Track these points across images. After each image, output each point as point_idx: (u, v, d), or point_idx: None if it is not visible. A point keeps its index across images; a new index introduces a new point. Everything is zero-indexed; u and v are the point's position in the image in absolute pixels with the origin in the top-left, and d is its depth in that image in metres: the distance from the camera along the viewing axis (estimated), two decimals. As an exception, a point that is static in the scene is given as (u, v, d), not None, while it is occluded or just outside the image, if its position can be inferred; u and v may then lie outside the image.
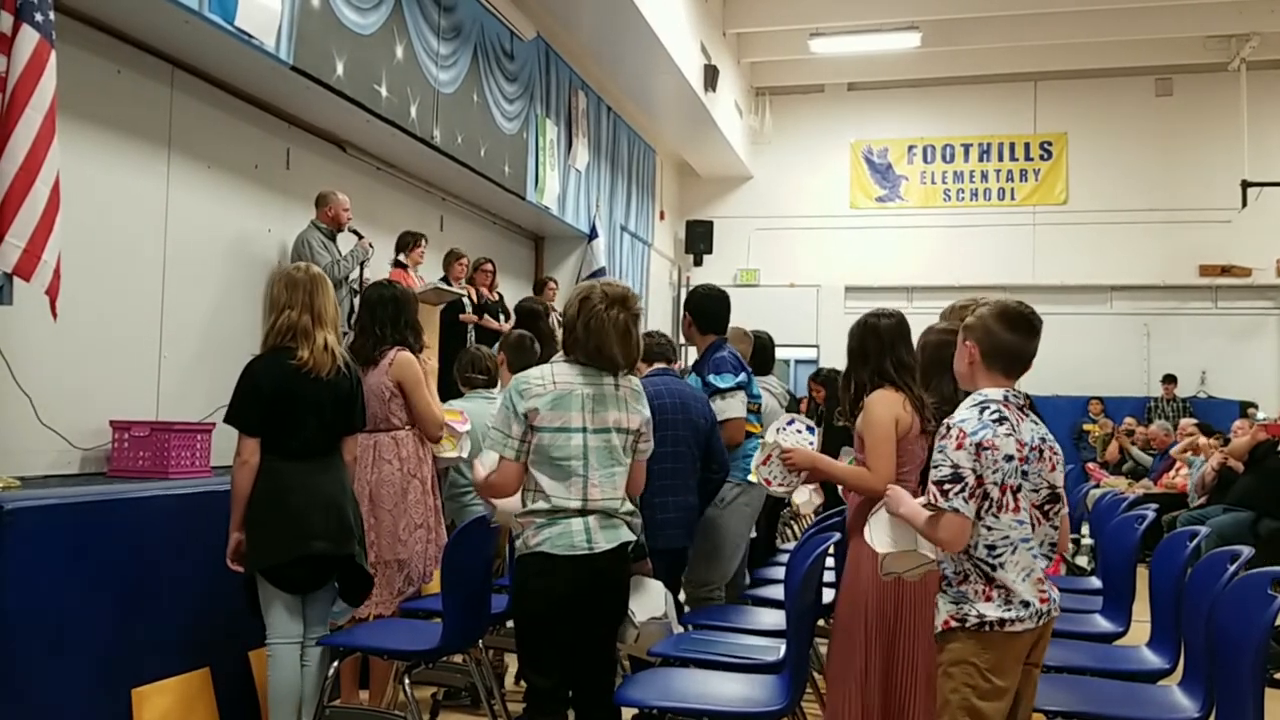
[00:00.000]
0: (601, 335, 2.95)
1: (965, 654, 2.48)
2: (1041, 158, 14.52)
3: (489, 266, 8.57)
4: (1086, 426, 12.63)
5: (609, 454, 2.97)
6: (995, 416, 2.49)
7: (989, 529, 2.47)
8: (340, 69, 6.35)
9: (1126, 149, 14.18)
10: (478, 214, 9.86)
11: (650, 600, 3.20)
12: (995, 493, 2.46)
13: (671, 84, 10.99)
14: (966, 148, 14.70)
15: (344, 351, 3.56)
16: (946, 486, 2.45)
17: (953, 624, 2.50)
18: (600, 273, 10.80)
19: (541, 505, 2.92)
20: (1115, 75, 14.17)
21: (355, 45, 6.50)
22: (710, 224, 14.98)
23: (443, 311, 7.17)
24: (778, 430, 3.53)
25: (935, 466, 2.49)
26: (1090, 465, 11.24)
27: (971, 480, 2.44)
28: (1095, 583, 4.69)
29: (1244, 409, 12.31)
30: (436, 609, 3.79)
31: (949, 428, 2.51)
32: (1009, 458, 2.46)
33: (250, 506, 3.36)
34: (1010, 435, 2.48)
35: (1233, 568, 2.76)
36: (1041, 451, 2.53)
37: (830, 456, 3.62)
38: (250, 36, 5.47)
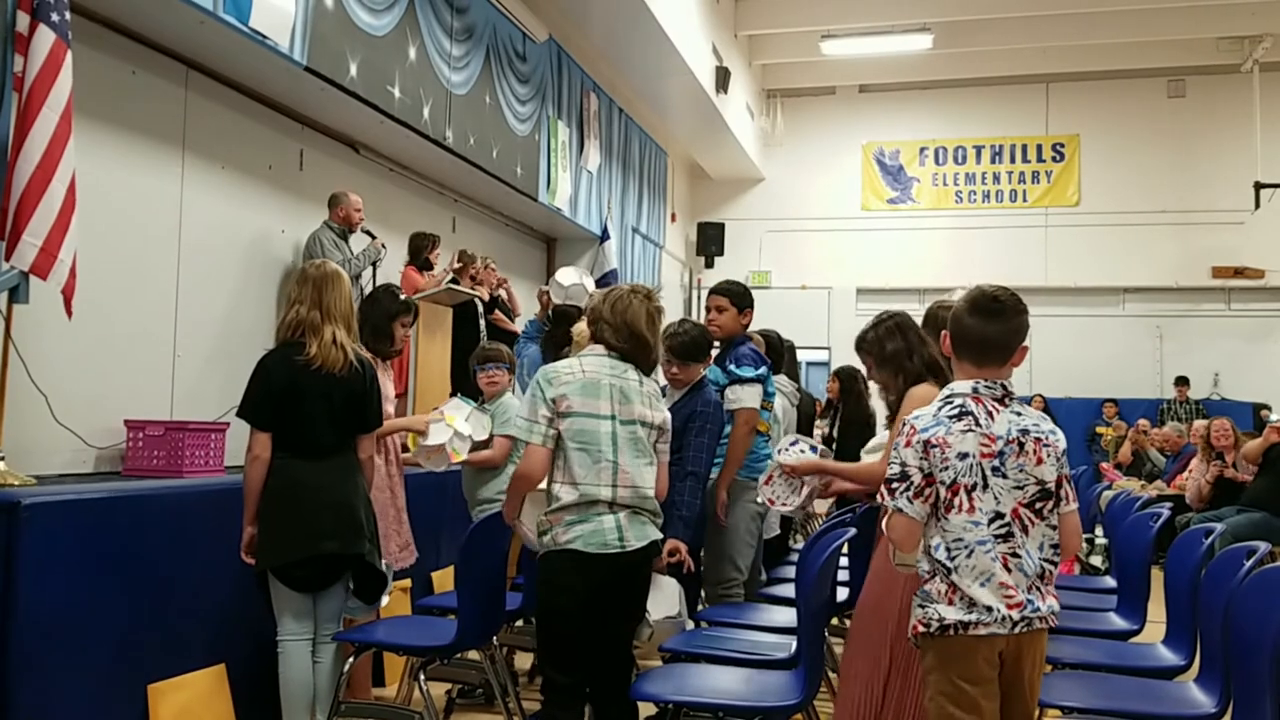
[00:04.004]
0: (631, 316, 3.05)
1: (935, 662, 2.39)
2: (1054, 159, 14.48)
3: (493, 265, 8.62)
4: (1100, 429, 12.58)
5: (637, 444, 3.02)
6: (954, 412, 2.41)
7: (943, 530, 2.39)
8: (354, 70, 6.37)
9: (1139, 151, 14.13)
10: (490, 215, 9.88)
11: (665, 599, 3.20)
12: (945, 493, 2.37)
13: (683, 86, 11.00)
14: (978, 149, 14.68)
15: (357, 348, 3.56)
16: (894, 485, 2.40)
17: (920, 629, 2.41)
18: (612, 274, 10.80)
19: (571, 497, 2.93)
20: (1127, 77, 14.14)
21: (368, 46, 6.52)
22: (722, 226, 14.98)
23: (455, 312, 7.19)
24: (780, 451, 3.59)
25: (890, 464, 2.45)
26: (1104, 466, 11.19)
27: (918, 479, 2.37)
28: (1110, 582, 4.67)
29: (1257, 411, 12.26)
30: (452, 605, 3.79)
31: (905, 424, 2.45)
32: (962, 455, 2.37)
33: (261, 503, 3.38)
34: (969, 431, 2.38)
35: (1249, 563, 2.74)
36: (1022, 445, 2.40)
37: (850, 452, 3.64)
38: (264, 37, 5.49)
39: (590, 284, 6.77)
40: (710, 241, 14.86)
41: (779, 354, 5.58)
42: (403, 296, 4.44)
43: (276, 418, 3.39)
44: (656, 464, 3.11)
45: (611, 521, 2.93)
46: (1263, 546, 2.80)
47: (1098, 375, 13.44)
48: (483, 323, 7.59)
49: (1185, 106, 14.16)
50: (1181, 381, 13.30)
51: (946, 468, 2.36)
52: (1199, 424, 9.74)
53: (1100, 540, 6.46)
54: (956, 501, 2.36)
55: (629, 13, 9.18)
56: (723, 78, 11.73)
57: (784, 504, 3.55)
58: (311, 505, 3.37)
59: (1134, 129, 14.19)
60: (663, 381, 4.21)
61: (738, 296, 4.68)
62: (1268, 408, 12.33)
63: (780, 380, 5.36)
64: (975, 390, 2.43)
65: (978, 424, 2.38)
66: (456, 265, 7.69)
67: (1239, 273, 13.62)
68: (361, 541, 3.45)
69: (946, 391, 2.47)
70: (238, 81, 6.17)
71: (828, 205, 14.86)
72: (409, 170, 8.26)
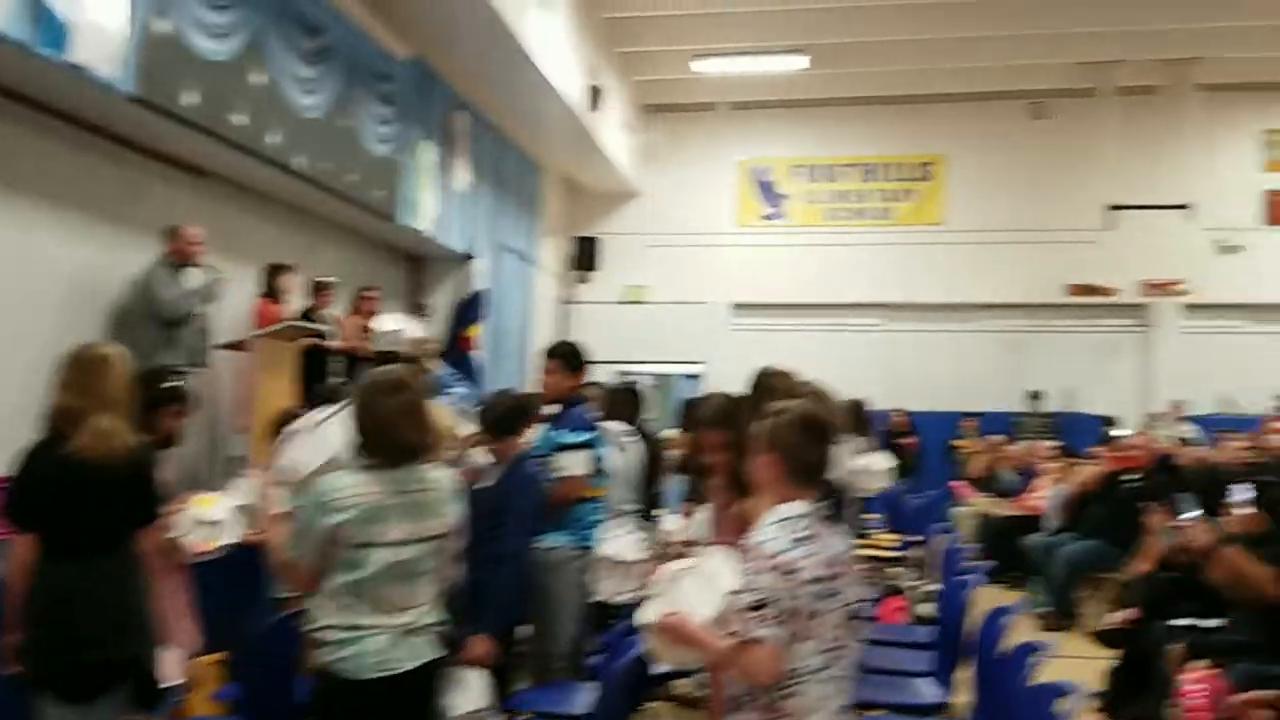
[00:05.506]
0: (388, 425, 2.86)
1: None
2: (920, 179, 14.83)
3: (371, 294, 8.46)
4: (957, 443, 12.94)
5: (416, 565, 2.86)
6: (801, 534, 2.38)
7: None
8: (190, 98, 6.14)
9: (1001, 171, 14.56)
10: (351, 237, 9.65)
11: (471, 693, 3.15)
12: (798, 620, 2.33)
13: (553, 106, 10.92)
14: (849, 168, 14.94)
15: (131, 435, 3.31)
16: (756, 614, 2.31)
17: None
18: (479, 295, 10.68)
19: (338, 620, 2.79)
20: (992, 99, 14.51)
21: (208, 73, 6.28)
22: (598, 241, 14.94)
23: (305, 350, 7.03)
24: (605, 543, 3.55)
25: (742, 591, 2.36)
26: (956, 484, 11.50)
27: (781, 604, 2.31)
28: (930, 637, 4.73)
29: (1106, 424, 12.75)
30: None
31: (752, 547, 2.38)
32: (813, 580, 2.35)
33: (25, 608, 3.16)
34: (815, 555, 2.37)
35: (1031, 661, 2.82)
36: (842, 565, 2.45)
37: None
38: (87, 69, 5.23)
39: (413, 330, 6.69)
40: (586, 256, 14.82)
41: (622, 404, 5.56)
42: (171, 383, 4.14)
43: (40, 516, 3.17)
44: (443, 562, 2.99)
45: (382, 643, 2.78)
46: (1050, 644, 2.86)
47: (958, 389, 13.82)
48: (337, 362, 7.40)
49: (1046, 129, 14.60)
50: (1036, 395, 13.79)
51: (799, 595, 2.32)
52: (1042, 445, 10.12)
53: (933, 587, 6.62)
54: (806, 629, 2.33)
55: (494, 37, 9.05)
56: (595, 96, 11.68)
57: (621, 595, 3.51)
58: (76, 609, 3.15)
59: (997, 150, 14.60)
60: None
61: (567, 358, 4.65)
62: (1115, 421, 12.84)
63: (611, 428, 5.25)
64: (813, 511, 2.44)
65: (818, 548, 2.38)
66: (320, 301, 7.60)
67: (1092, 290, 14.18)
68: (134, 645, 3.25)
69: (786, 512, 2.43)
70: (60, 109, 5.88)
71: (704, 221, 14.94)
72: (259, 195, 8.01)
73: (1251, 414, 12.45)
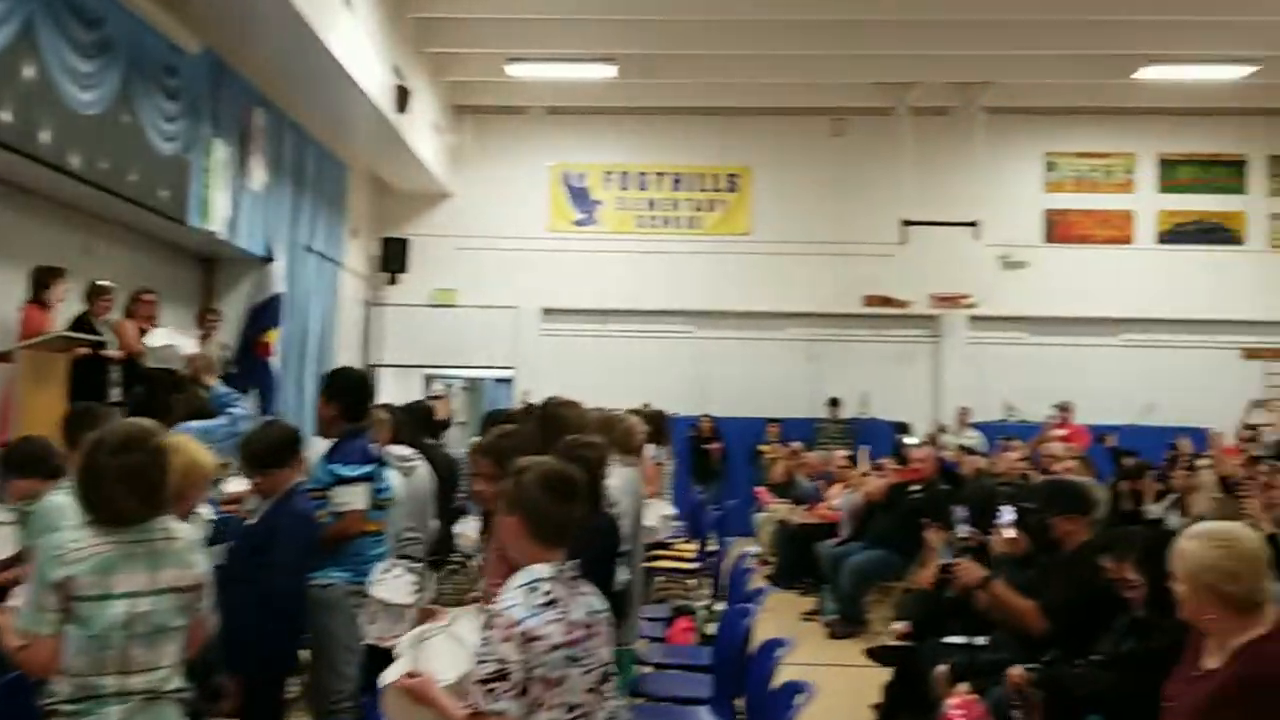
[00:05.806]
0: (105, 487, 2.67)
1: None
2: (728, 189, 15.18)
3: (149, 297, 7.98)
4: (761, 447, 13.34)
5: (156, 620, 2.70)
6: (545, 599, 2.33)
7: None
8: (-53, 92, 5.66)
9: (803, 185, 15.03)
10: (136, 238, 9.10)
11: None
12: (537, 689, 2.28)
13: (359, 104, 10.59)
14: (660, 176, 15.14)
15: None
16: (492, 686, 2.24)
17: None
18: (276, 299, 10.27)
19: (74, 685, 2.60)
20: (795, 114, 14.98)
21: (-32, 66, 5.81)
22: (406, 242, 14.63)
23: (80, 360, 6.58)
24: (376, 583, 3.46)
25: (481, 660, 2.29)
26: (759, 490, 11.85)
27: (519, 675, 2.26)
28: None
29: (899, 431, 13.39)
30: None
31: (499, 614, 2.31)
32: (554, 647, 2.30)
33: None
34: (559, 620, 2.33)
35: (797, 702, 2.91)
36: (590, 627, 2.41)
37: None
38: None
39: (186, 344, 6.35)
40: (394, 258, 14.48)
41: (409, 425, 5.44)
42: None
43: None
44: (192, 622, 2.83)
45: (121, 712, 2.62)
46: (814, 687, 2.96)
47: (763, 395, 14.25)
48: (115, 371, 6.96)
49: (845, 145, 15.17)
50: (833, 402, 14.37)
51: (541, 664, 2.27)
52: (839, 454, 10.54)
53: (719, 607, 6.77)
54: (544, 698, 2.28)
55: (295, 33, 8.68)
56: (402, 97, 11.40)
57: (390, 639, 3.37)
58: None
59: (799, 164, 15.07)
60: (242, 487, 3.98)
61: (331, 388, 4.47)
62: (907, 428, 13.49)
63: (394, 451, 5.10)
64: (560, 573, 2.38)
65: (564, 612, 2.33)
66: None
67: (887, 302, 14.87)
68: None
69: (529, 576, 2.37)
70: None
71: (515, 224, 14.83)
72: (29, 193, 7.45)
73: (1032, 421, 13.39)
